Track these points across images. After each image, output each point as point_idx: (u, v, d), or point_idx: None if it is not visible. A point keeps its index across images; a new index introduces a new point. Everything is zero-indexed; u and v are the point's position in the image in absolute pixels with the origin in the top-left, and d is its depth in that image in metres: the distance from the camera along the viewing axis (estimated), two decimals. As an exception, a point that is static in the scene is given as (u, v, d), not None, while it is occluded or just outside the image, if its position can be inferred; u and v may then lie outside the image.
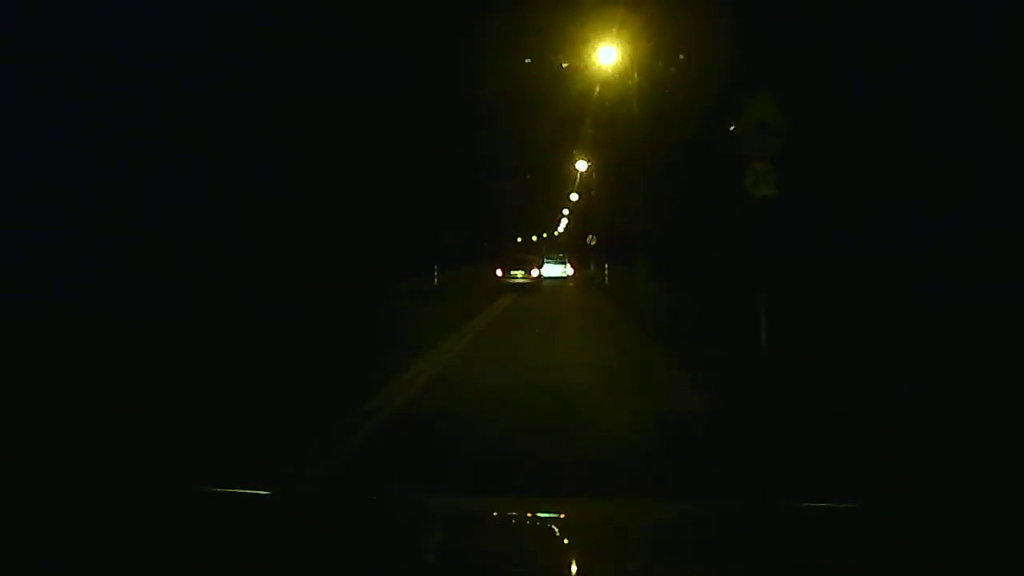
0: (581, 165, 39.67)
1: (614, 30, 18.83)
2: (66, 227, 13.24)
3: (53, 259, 12.59)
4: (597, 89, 23.41)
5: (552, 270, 33.46)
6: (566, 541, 1.81)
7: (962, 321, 8.03)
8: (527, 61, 24.56)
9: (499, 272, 26.08)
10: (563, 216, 72.47)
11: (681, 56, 17.62)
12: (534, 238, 75.41)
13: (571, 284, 30.80)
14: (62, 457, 4.56)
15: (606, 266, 28.68)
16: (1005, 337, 7.18)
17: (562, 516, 1.98)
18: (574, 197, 51.91)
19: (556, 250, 41.70)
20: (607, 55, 19.73)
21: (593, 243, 34.96)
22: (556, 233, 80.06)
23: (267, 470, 4.24)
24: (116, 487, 2.80)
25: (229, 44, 16.99)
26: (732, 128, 7.65)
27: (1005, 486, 3.66)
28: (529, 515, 2.01)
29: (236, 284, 15.41)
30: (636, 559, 1.60)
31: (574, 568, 1.61)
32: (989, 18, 9.10)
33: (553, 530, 1.93)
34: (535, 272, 26.50)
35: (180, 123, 15.97)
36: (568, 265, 35.49)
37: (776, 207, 7.73)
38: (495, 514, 2.03)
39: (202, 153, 16.53)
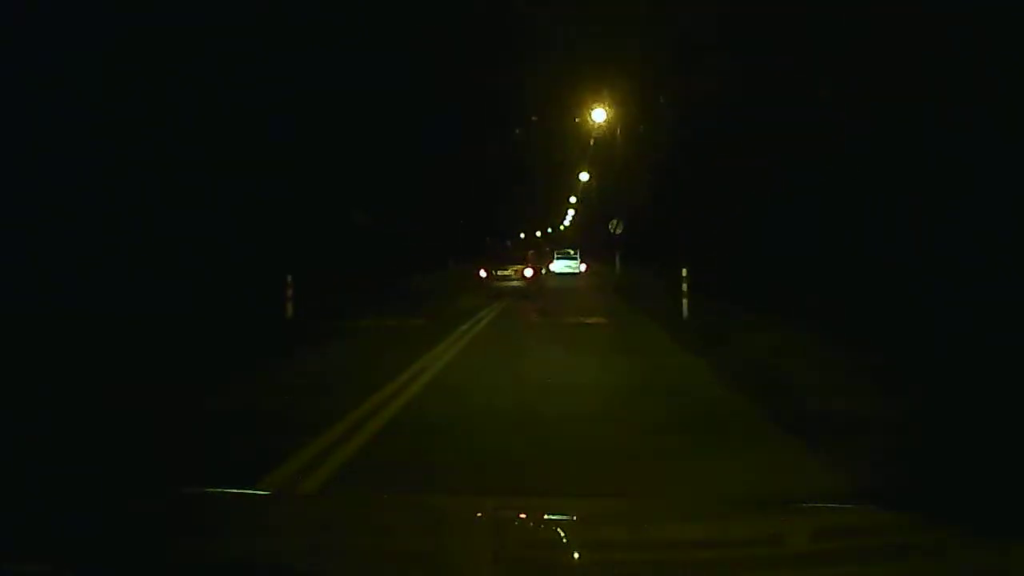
0: (598, 115, 29.07)
1: None
2: (66, 227, 13.23)
3: (53, 259, 12.58)
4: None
5: (563, 265, 35.29)
6: (574, 544, 1.79)
7: (962, 320, 8.01)
8: None
9: (483, 273, 21.55)
10: (569, 206, 67.16)
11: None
12: (538, 234, 67.27)
13: (604, 320, 14.13)
14: (62, 457, 4.56)
15: (684, 273, 13.10)
16: (1006, 337, 7.17)
17: (574, 517, 1.96)
18: (584, 176, 44.96)
19: (564, 247, 42.34)
20: None
21: (619, 231, 25.47)
22: (562, 227, 75.85)
23: (266, 470, 4.23)
24: (116, 487, 2.80)
25: (229, 44, 16.98)
26: None
27: (1006, 486, 3.65)
28: (533, 516, 2.00)
29: (236, 284, 15.39)
30: (640, 561, 1.59)
31: (580, 569, 1.60)
32: (989, 13, 9.08)
33: (559, 532, 1.91)
34: (529, 272, 21.43)
35: (180, 123, 15.96)
36: (580, 261, 36.22)
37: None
38: (500, 514, 2.02)
39: (202, 153, 16.52)
